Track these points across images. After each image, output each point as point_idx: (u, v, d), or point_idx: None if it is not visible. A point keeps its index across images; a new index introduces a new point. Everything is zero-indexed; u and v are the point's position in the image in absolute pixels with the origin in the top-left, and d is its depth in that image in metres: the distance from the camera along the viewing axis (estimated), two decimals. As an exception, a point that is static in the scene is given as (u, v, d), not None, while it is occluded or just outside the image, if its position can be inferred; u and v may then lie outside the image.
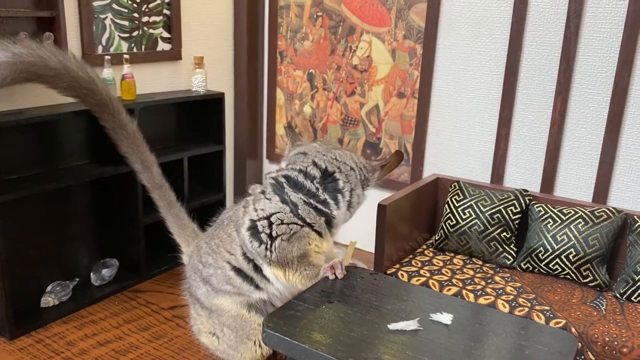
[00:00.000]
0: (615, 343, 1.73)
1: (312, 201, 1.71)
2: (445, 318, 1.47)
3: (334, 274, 1.70)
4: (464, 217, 2.30)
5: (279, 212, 1.72)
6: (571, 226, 2.11)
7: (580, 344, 1.77)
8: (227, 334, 1.87)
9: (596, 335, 1.76)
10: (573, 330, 1.79)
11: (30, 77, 1.77)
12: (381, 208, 2.14)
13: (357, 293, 1.62)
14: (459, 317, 1.49)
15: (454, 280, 2.11)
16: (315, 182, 1.71)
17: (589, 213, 2.13)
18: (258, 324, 1.85)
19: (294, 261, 1.72)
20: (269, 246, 1.73)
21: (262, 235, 1.73)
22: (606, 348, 1.74)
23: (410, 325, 1.43)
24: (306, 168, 1.76)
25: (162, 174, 2.11)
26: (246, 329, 1.84)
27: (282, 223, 1.72)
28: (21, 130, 2.26)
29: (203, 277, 1.90)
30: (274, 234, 1.72)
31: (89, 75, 1.87)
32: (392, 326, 1.42)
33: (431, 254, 2.35)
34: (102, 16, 2.50)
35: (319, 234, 1.72)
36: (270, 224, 1.72)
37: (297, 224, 1.71)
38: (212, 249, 1.87)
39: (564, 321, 1.82)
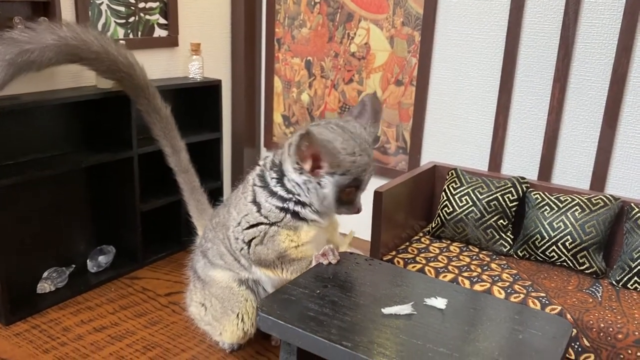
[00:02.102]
0: (611, 329, 1.73)
1: (273, 199, 1.70)
2: (440, 303, 1.47)
3: (327, 259, 1.70)
4: (460, 204, 2.29)
5: (246, 215, 1.73)
6: (568, 213, 2.11)
7: (575, 330, 1.77)
8: (214, 305, 1.91)
9: (591, 322, 1.76)
10: (568, 316, 1.79)
11: (74, 59, 1.87)
12: (377, 195, 2.13)
13: (352, 278, 1.62)
14: (453, 302, 1.49)
15: (450, 267, 2.10)
16: (272, 178, 1.71)
17: (585, 200, 2.12)
18: (245, 299, 1.86)
19: (275, 261, 1.73)
20: (247, 251, 1.76)
21: (239, 241, 1.75)
22: (601, 334, 1.74)
23: (404, 309, 1.43)
24: (265, 164, 1.76)
25: (189, 160, 2.20)
26: (232, 301, 1.87)
27: (250, 226, 1.72)
28: (17, 116, 2.25)
29: (202, 250, 1.95)
30: (246, 239, 1.74)
31: (128, 59, 1.94)
32: (386, 310, 1.43)
33: (427, 242, 2.35)
34: (98, 1, 2.48)
35: (294, 228, 1.71)
36: (242, 230, 1.73)
37: (264, 223, 1.71)
38: (212, 226, 1.92)
39: (559, 307, 1.82)
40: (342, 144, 1.59)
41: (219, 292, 1.88)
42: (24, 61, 1.75)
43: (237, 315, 1.87)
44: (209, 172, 3.00)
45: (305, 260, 1.72)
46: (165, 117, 2.14)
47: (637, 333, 1.70)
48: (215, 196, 2.65)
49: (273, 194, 1.69)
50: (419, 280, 1.65)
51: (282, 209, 1.69)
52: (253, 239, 1.72)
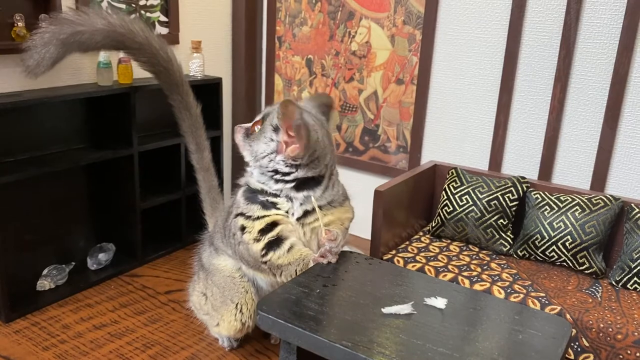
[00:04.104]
0: (610, 330, 1.73)
1: (247, 193, 1.78)
2: (440, 302, 1.47)
3: (326, 260, 1.70)
4: (461, 203, 2.29)
5: (227, 217, 1.83)
6: (568, 213, 2.11)
7: (574, 331, 1.77)
8: (214, 294, 1.93)
9: (591, 322, 1.76)
10: (568, 316, 1.79)
11: (118, 45, 1.92)
12: (378, 194, 2.13)
13: (352, 277, 1.62)
14: (453, 301, 1.49)
15: (449, 267, 2.10)
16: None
17: (586, 200, 2.12)
18: (245, 290, 1.87)
19: (261, 266, 1.74)
20: (232, 252, 1.82)
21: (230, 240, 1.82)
22: (601, 334, 1.74)
23: (404, 309, 1.43)
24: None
25: (211, 159, 2.29)
26: (232, 290, 1.88)
27: (229, 230, 1.79)
28: (18, 113, 2.25)
29: (210, 238, 2.00)
30: (231, 243, 1.81)
31: (167, 54, 2.01)
32: (386, 310, 1.43)
33: (427, 241, 2.35)
34: (99, -2, 2.48)
35: (248, 213, 1.74)
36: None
37: (238, 216, 1.75)
38: (225, 213, 1.95)
39: (559, 308, 1.82)
40: (321, 137, 1.72)
41: (220, 281, 1.89)
42: (75, 42, 1.81)
43: (236, 305, 1.87)
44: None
45: (297, 262, 1.70)
46: (195, 115, 2.19)
47: (636, 333, 1.70)
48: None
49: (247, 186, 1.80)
50: (419, 279, 1.65)
51: (245, 195, 1.77)
52: (235, 243, 1.76)
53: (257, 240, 1.70)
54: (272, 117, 1.71)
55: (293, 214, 1.73)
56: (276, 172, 1.71)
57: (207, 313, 1.98)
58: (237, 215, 1.75)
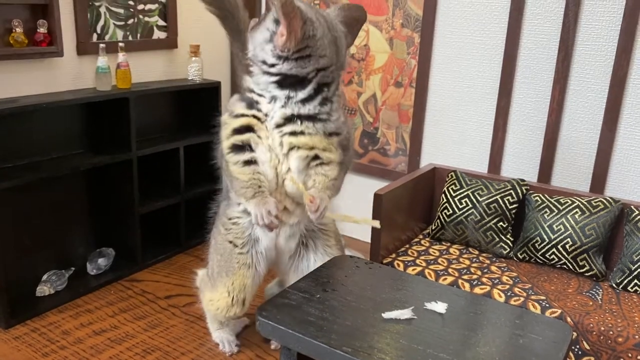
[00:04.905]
0: (611, 332, 1.73)
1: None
2: (440, 307, 1.47)
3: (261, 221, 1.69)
4: (460, 206, 2.29)
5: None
6: (568, 216, 2.11)
7: (575, 334, 1.77)
8: (215, 261, 1.95)
9: (591, 325, 1.76)
10: (569, 319, 1.79)
11: None
12: (377, 198, 2.13)
13: (352, 282, 1.62)
14: (453, 306, 1.49)
15: (450, 270, 2.10)
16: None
17: (585, 203, 2.12)
18: (239, 265, 1.88)
19: (228, 168, 1.75)
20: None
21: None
22: (601, 337, 1.74)
23: (405, 314, 1.42)
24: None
25: None
26: (231, 261, 1.87)
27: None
28: (16, 119, 2.24)
29: (225, 189, 1.95)
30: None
31: (235, 1, 1.97)
32: (387, 315, 1.42)
33: (427, 244, 2.35)
34: (97, 4, 2.47)
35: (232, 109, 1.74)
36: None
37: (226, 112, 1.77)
38: None
39: (559, 311, 1.82)
40: (320, 36, 1.63)
41: (221, 249, 1.90)
42: None
43: (232, 283, 1.88)
44: (208, 174, 2.99)
45: (237, 181, 1.71)
46: None
47: (637, 336, 1.70)
48: (214, 198, 2.65)
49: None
50: (419, 284, 1.64)
51: (239, 95, 1.76)
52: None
53: (228, 137, 1.71)
54: (274, 7, 1.64)
55: (272, 118, 1.69)
56: (264, 62, 1.67)
57: (206, 283, 2.00)
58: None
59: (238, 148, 1.70)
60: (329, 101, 1.70)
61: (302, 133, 1.67)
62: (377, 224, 1.73)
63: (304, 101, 1.67)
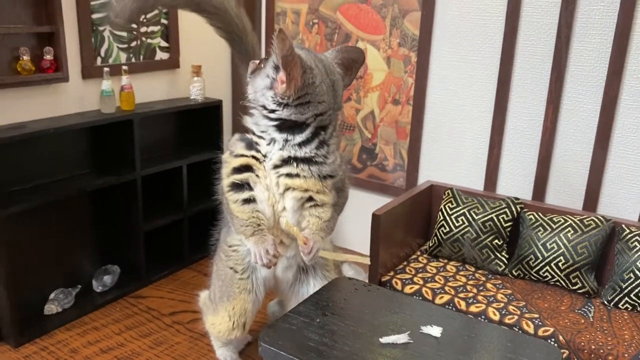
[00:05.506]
0: (601, 351, 1.79)
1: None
2: (435, 331, 1.53)
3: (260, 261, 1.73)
4: (457, 224, 2.35)
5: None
6: (561, 234, 2.17)
7: (567, 352, 1.83)
8: (217, 286, 2.00)
9: (583, 344, 1.82)
10: (561, 338, 1.85)
11: (196, 8, 2.00)
12: (375, 218, 2.19)
13: (351, 305, 1.68)
14: (448, 329, 1.55)
15: (446, 288, 2.16)
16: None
17: (578, 222, 2.18)
18: (239, 290, 1.93)
19: (228, 206, 1.79)
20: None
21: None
22: (592, 356, 1.79)
23: (401, 338, 1.48)
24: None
25: None
26: (232, 286, 1.93)
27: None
28: (23, 144, 2.31)
29: (227, 217, 1.97)
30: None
31: (243, 24, 2.04)
32: (384, 340, 1.48)
33: (425, 261, 2.41)
34: (101, 28, 2.54)
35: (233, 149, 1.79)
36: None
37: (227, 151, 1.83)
38: None
39: (552, 329, 1.88)
40: (319, 83, 1.68)
41: (223, 275, 1.95)
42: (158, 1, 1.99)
43: (233, 308, 1.93)
44: (211, 191, 3.05)
45: (237, 219, 1.75)
46: None
47: (626, 355, 1.75)
48: (217, 217, 2.71)
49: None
50: (416, 306, 1.70)
51: (240, 135, 1.82)
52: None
53: (228, 176, 1.77)
54: (275, 55, 1.68)
55: (270, 159, 1.74)
56: (264, 108, 1.72)
57: (208, 307, 2.05)
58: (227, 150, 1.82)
59: (237, 186, 1.75)
60: (326, 144, 1.74)
61: (297, 175, 1.71)
62: (367, 260, 1.78)
63: (301, 144, 1.71)
